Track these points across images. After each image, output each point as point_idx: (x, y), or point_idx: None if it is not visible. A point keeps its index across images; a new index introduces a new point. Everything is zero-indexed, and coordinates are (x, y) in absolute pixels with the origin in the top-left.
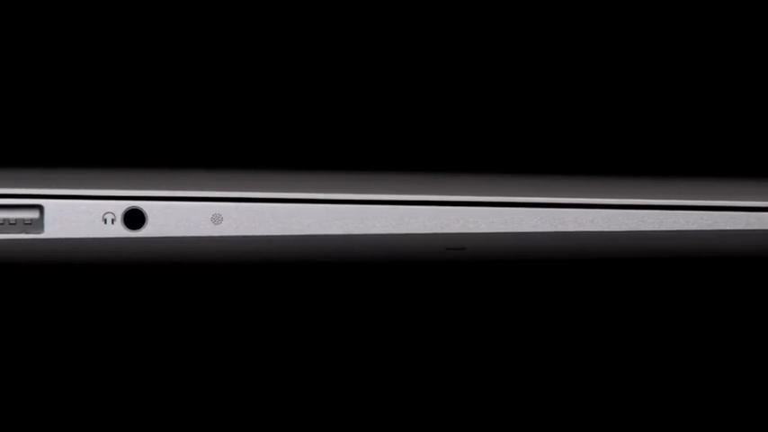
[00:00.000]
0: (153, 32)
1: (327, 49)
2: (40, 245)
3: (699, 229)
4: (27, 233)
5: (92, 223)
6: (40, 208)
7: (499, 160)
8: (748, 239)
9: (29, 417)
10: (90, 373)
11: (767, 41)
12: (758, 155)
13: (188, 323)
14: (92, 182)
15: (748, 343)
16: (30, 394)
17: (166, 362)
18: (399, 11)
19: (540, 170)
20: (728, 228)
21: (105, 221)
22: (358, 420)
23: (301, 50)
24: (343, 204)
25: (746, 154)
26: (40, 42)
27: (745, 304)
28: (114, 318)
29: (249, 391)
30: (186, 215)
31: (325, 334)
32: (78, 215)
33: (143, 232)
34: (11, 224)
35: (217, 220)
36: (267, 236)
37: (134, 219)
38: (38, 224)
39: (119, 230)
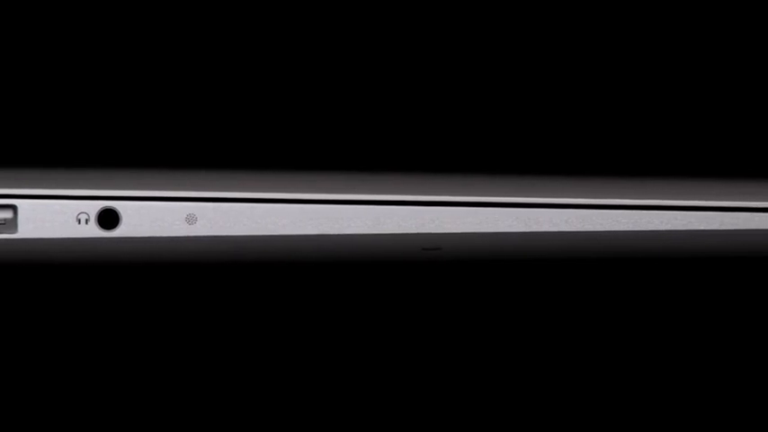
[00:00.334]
0: (127, 32)
1: (305, 52)
2: (14, 245)
3: (673, 229)
4: (0, 233)
5: (66, 223)
6: (13, 208)
7: (474, 160)
8: (722, 239)
9: (5, 416)
10: (64, 374)
11: (748, 42)
12: (731, 155)
13: (163, 323)
14: (66, 182)
15: (725, 342)
16: (3, 395)
17: (140, 361)
18: (366, 12)
19: (515, 170)
20: (702, 228)
21: (79, 221)
22: (338, 419)
23: (277, 52)
24: (318, 204)
25: (720, 154)
26: (6, 43)
27: (718, 303)
28: (89, 317)
29: (224, 390)
30: (161, 215)
31: (302, 334)
32: (52, 215)
33: (117, 232)
34: None
35: (191, 220)
36: (242, 236)
37: (108, 219)
38: (11, 224)
39: (93, 230)
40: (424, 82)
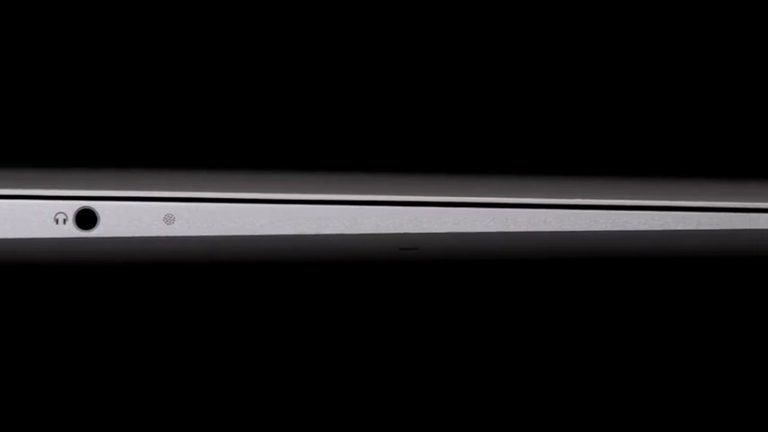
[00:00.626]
0: (107, 33)
1: (283, 54)
2: None
3: (650, 229)
4: None
5: (43, 223)
6: None
7: (452, 161)
8: (699, 239)
9: None
10: (38, 375)
11: (729, 46)
12: (708, 156)
13: (140, 322)
14: (43, 182)
15: (701, 342)
16: None
17: (116, 361)
18: (332, 14)
19: (492, 171)
20: (679, 228)
21: (57, 221)
22: (318, 417)
23: (256, 55)
24: (295, 204)
25: (697, 155)
26: None
27: (694, 303)
28: (66, 317)
29: (204, 389)
30: (138, 215)
31: (282, 333)
32: (30, 215)
33: (95, 232)
34: None
35: (169, 220)
36: (220, 236)
37: (86, 219)
38: None
39: (71, 230)
40: (400, 84)
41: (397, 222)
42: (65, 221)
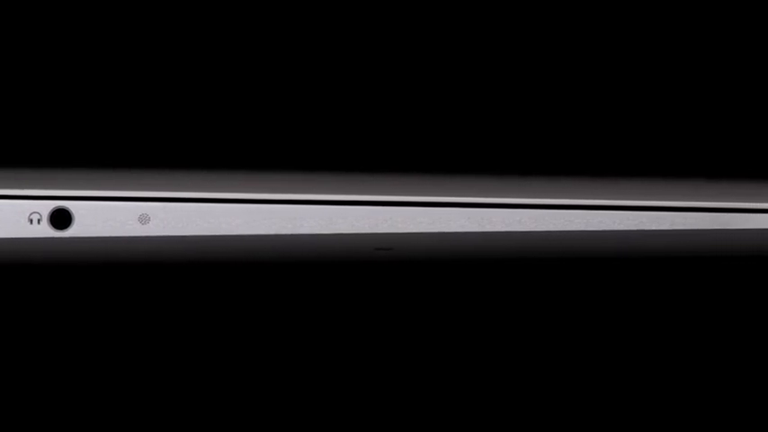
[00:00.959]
0: (77, 33)
1: (256, 54)
2: None
3: (624, 229)
4: None
5: (18, 223)
6: None
7: (427, 161)
8: (673, 239)
9: None
10: (16, 372)
11: (710, 47)
12: (682, 156)
13: (115, 322)
14: (18, 181)
15: (676, 341)
16: None
17: (91, 360)
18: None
19: (467, 170)
20: (654, 228)
21: (31, 221)
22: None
23: (228, 54)
24: (271, 204)
25: (671, 155)
26: None
27: (669, 302)
28: (40, 317)
29: (169, 391)
30: (113, 215)
31: (255, 333)
32: (4, 215)
33: (70, 232)
34: None
35: (144, 219)
36: (195, 236)
37: (61, 219)
38: None
39: (45, 230)
40: (376, 85)
41: (372, 222)
42: (39, 221)
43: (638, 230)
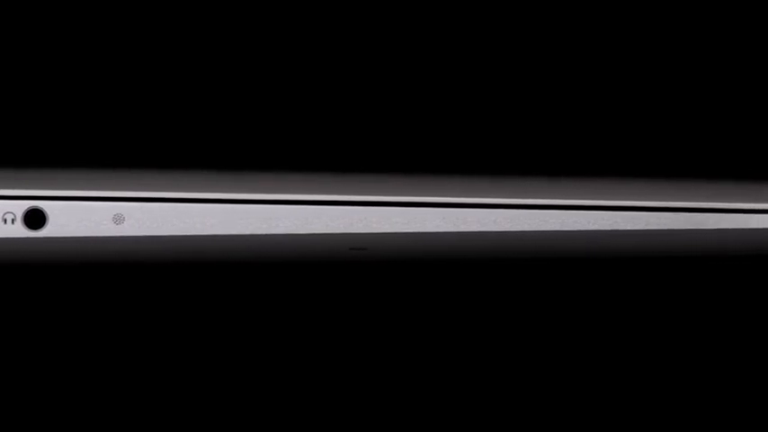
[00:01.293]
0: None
1: (230, 52)
2: None
3: (599, 229)
4: None
5: None
6: None
7: (402, 160)
8: (648, 239)
9: None
10: None
11: (684, 48)
12: (657, 156)
13: (89, 322)
14: None
15: (646, 341)
16: None
17: (63, 360)
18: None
19: (442, 170)
20: (628, 228)
21: (5, 221)
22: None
23: (202, 53)
24: (246, 204)
25: (645, 155)
26: None
27: (643, 302)
28: (13, 317)
29: (140, 392)
30: (88, 215)
31: (230, 332)
32: None
33: (44, 232)
34: None
35: (119, 219)
36: (170, 236)
37: (35, 219)
38: None
39: (19, 230)
40: (351, 84)
41: (346, 222)
42: (13, 221)
43: (612, 230)
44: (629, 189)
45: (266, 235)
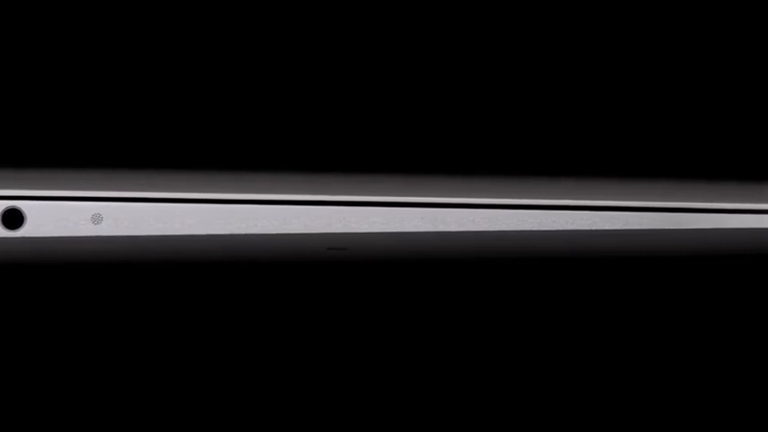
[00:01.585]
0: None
1: (204, 53)
2: None
3: (578, 228)
4: None
5: None
6: None
7: (380, 161)
8: (626, 239)
9: None
10: None
11: (660, 49)
12: (635, 156)
13: (67, 322)
14: None
15: (625, 341)
16: None
17: (42, 360)
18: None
19: (421, 170)
20: (607, 228)
21: None
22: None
23: (176, 53)
24: (224, 204)
25: (624, 156)
26: None
27: (621, 301)
28: None
29: (117, 393)
30: (66, 215)
31: (207, 332)
32: None
33: (22, 232)
34: None
35: (97, 219)
36: (148, 236)
37: (12, 219)
38: None
39: None
40: (330, 85)
41: (325, 222)
42: None
43: (591, 230)
44: (607, 189)
45: (244, 235)
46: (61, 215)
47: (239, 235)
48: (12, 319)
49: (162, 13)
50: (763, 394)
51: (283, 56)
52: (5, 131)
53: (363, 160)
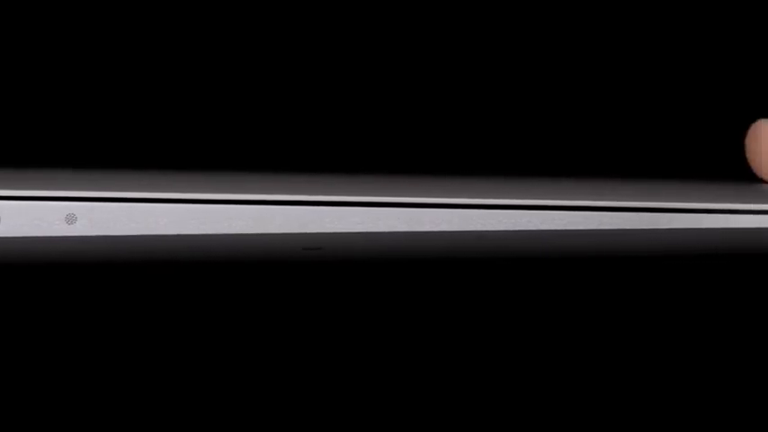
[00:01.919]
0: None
1: (186, 53)
2: None
3: (553, 228)
4: None
5: None
6: None
7: (356, 160)
8: (602, 239)
9: None
10: None
11: (631, 48)
12: (610, 155)
13: (41, 323)
14: None
15: (608, 343)
16: None
17: (18, 362)
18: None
19: (397, 170)
20: (582, 228)
21: None
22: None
23: (159, 53)
24: (199, 204)
25: (599, 154)
26: None
27: (595, 303)
28: None
29: (99, 394)
30: (39, 215)
31: (183, 334)
32: None
33: None
34: None
35: (71, 219)
36: (123, 236)
37: None
38: None
39: None
40: (308, 85)
41: (300, 222)
42: None
43: (566, 230)
44: (581, 189)
45: (219, 235)
46: (34, 215)
47: (213, 235)
48: None
49: (142, 13)
50: (749, 397)
51: (258, 56)
52: None
53: (339, 160)
